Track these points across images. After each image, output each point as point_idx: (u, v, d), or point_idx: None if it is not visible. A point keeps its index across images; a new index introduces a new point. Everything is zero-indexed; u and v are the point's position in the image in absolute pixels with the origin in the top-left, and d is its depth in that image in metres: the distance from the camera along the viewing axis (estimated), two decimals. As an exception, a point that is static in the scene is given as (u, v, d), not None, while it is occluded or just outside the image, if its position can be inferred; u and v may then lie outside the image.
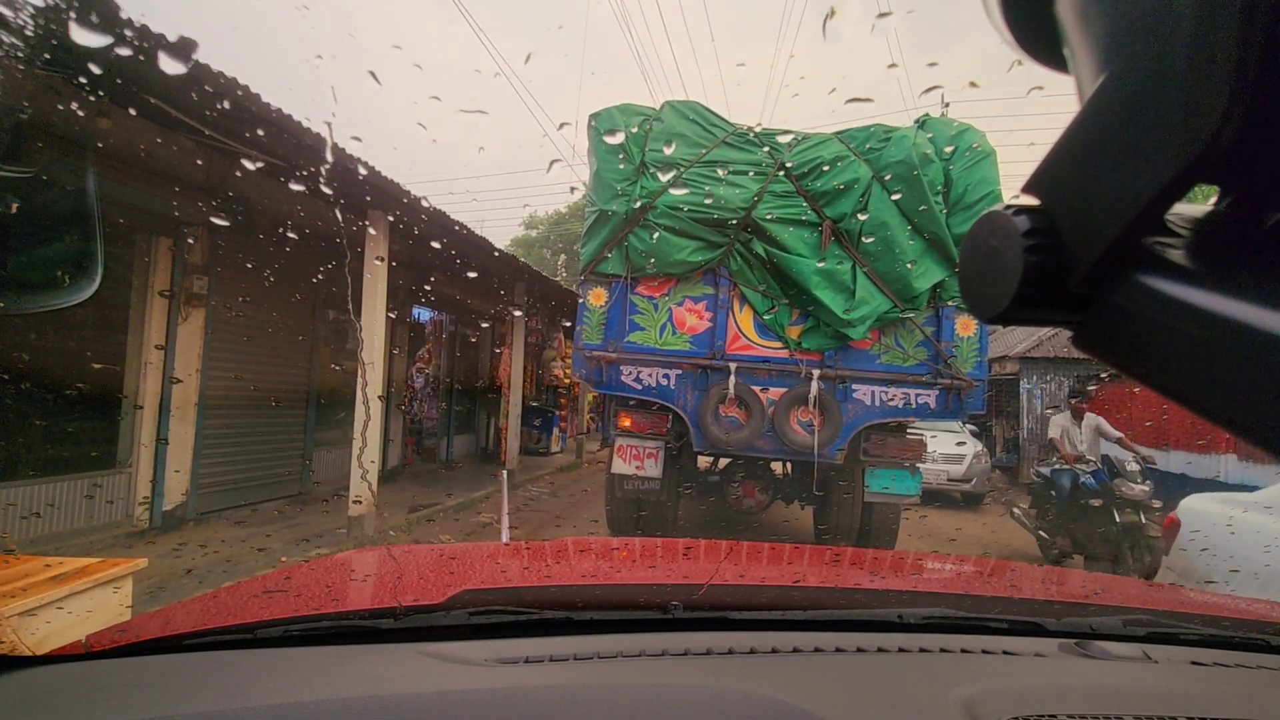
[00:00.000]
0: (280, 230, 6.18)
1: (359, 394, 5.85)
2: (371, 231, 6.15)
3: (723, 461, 5.98)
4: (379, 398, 8.83)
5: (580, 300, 5.21)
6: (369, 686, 0.81)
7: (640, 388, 5.08)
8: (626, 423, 5.15)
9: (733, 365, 5.00)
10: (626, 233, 4.95)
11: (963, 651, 0.99)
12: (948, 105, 13.85)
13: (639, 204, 4.88)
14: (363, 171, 5.08)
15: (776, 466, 5.86)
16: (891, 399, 5.11)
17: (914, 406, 5.13)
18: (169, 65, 3.54)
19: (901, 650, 0.98)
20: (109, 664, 0.88)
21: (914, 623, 1.07)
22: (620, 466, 5.13)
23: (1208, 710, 0.86)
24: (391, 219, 6.16)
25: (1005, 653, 1.00)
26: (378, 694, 0.79)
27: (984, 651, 1.00)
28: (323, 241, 6.57)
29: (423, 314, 10.09)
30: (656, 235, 4.88)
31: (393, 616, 0.97)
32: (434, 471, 9.86)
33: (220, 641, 0.94)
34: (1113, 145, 0.30)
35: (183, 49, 3.55)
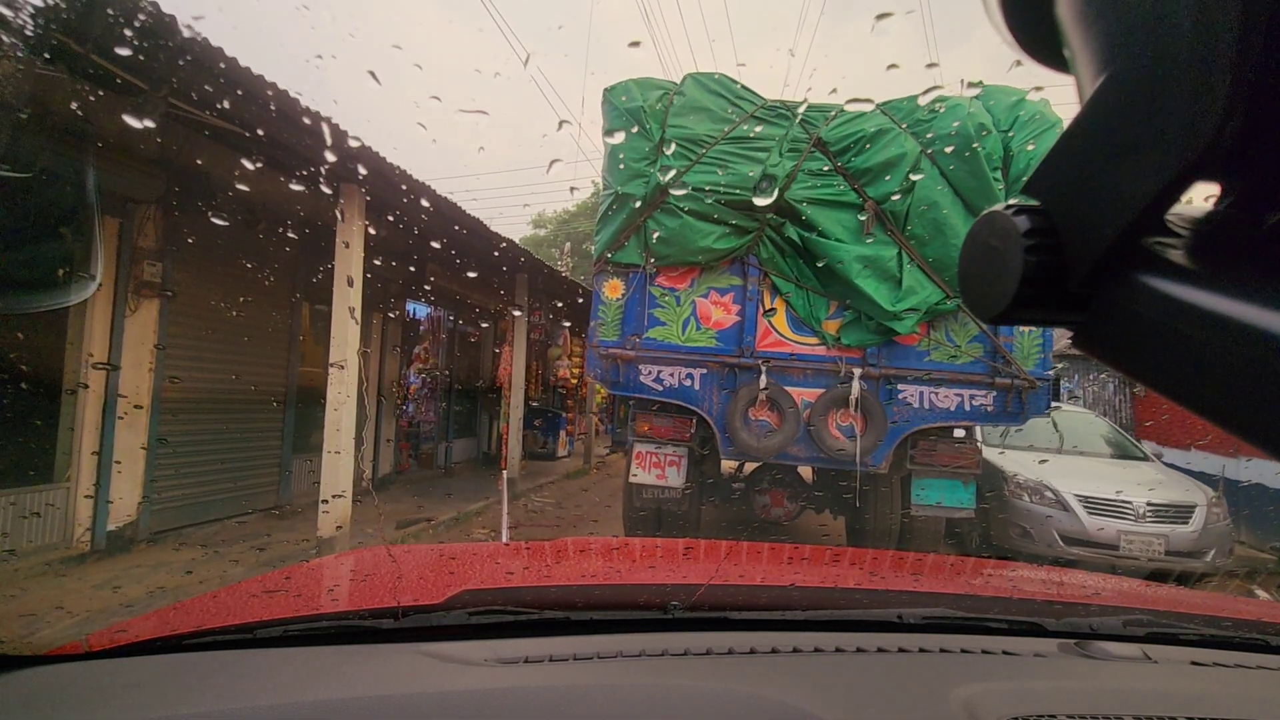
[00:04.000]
0: (251, 211, 5.91)
1: (329, 395, 5.43)
2: (341, 217, 5.67)
3: (749, 466, 5.93)
4: (379, 398, 8.61)
5: (595, 293, 5.20)
6: (369, 686, 0.90)
7: (661, 389, 5.05)
8: (646, 427, 5.08)
9: (763, 364, 4.95)
10: (645, 217, 4.92)
11: (963, 651, 1.09)
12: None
13: (659, 186, 4.83)
14: (332, 136, 4.69)
15: (806, 472, 5.80)
16: (943, 401, 5.02)
17: (968, 409, 5.03)
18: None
19: (901, 650, 1.07)
20: (109, 664, 0.98)
21: (914, 623, 1.17)
22: (640, 475, 5.09)
23: (1207, 710, 0.95)
24: (370, 198, 5.75)
25: (1005, 653, 1.10)
26: (378, 694, 0.88)
27: (984, 652, 1.09)
28: (304, 226, 6.35)
29: (419, 310, 10.10)
30: (678, 220, 4.84)
31: (393, 616, 1.06)
32: (431, 478, 9.83)
33: (220, 641, 1.04)
34: (1113, 145, 0.33)
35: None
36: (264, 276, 6.57)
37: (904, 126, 4.91)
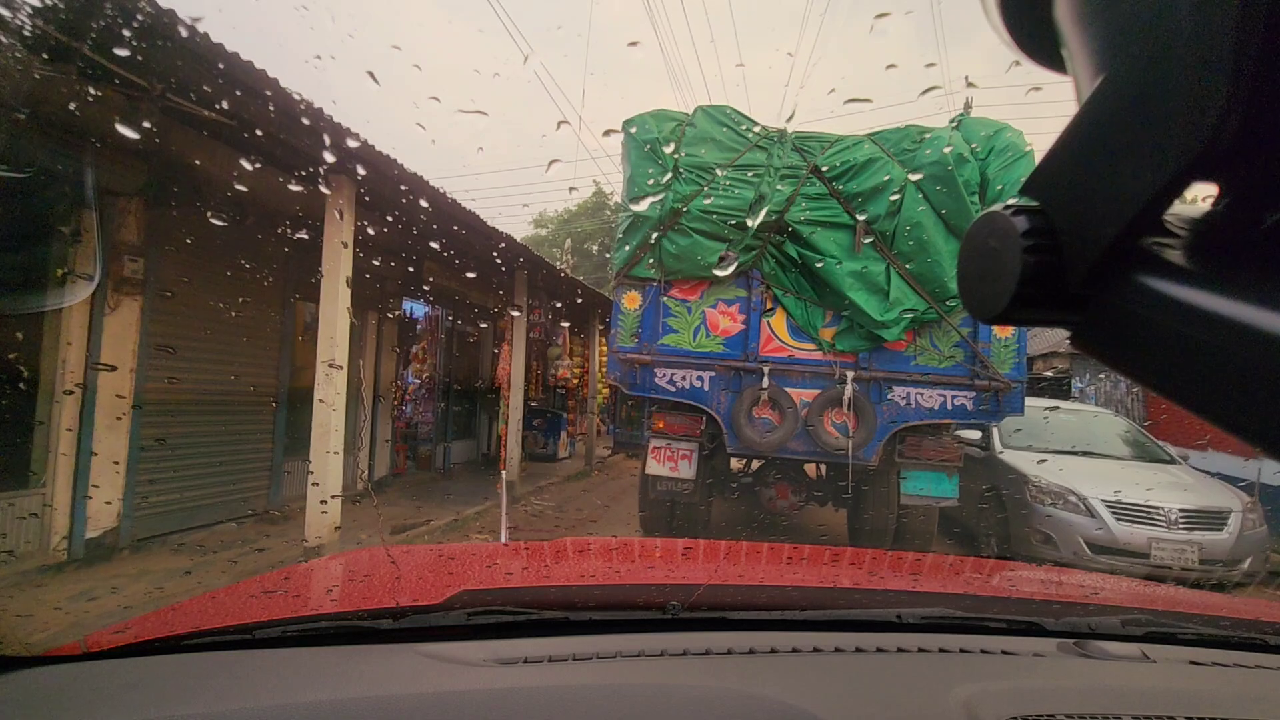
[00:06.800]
0: (239, 205, 5.44)
1: (317, 395, 5.13)
2: (337, 215, 5.25)
3: (756, 463, 6.20)
4: (375, 398, 8.21)
5: (615, 304, 5.52)
6: (368, 687, 0.85)
7: (674, 390, 5.37)
8: (660, 424, 5.42)
9: (766, 367, 5.26)
10: (659, 237, 5.23)
11: (962, 651, 1.04)
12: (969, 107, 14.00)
13: (672, 208, 5.16)
14: (322, 125, 4.41)
15: (810, 468, 6.05)
16: (927, 401, 5.34)
17: (951, 408, 5.34)
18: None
19: (901, 650, 1.03)
20: (107, 664, 0.92)
21: (913, 623, 1.12)
22: (654, 467, 5.43)
23: (1206, 710, 0.91)
24: (367, 192, 5.43)
25: (1004, 652, 1.05)
26: (377, 694, 0.83)
27: (983, 651, 1.05)
28: (296, 221, 5.90)
29: (416, 309, 9.58)
30: (689, 239, 5.15)
31: (392, 617, 1.01)
32: (429, 481, 9.33)
33: (219, 642, 0.99)
34: (1111, 146, 0.32)
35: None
36: (254, 273, 6.07)
37: (892, 155, 5.24)
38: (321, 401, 5.04)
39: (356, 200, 5.40)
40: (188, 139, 4.79)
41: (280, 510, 6.73)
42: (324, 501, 5.02)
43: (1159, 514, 5.51)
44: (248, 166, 4.95)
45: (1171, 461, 6.73)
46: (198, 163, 5.06)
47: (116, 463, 4.99)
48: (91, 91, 3.79)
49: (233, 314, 5.95)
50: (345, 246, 5.17)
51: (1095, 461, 6.38)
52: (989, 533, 6.39)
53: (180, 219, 5.27)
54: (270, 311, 6.57)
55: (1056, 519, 5.77)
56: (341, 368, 5.03)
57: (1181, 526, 5.45)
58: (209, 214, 5.19)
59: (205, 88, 3.93)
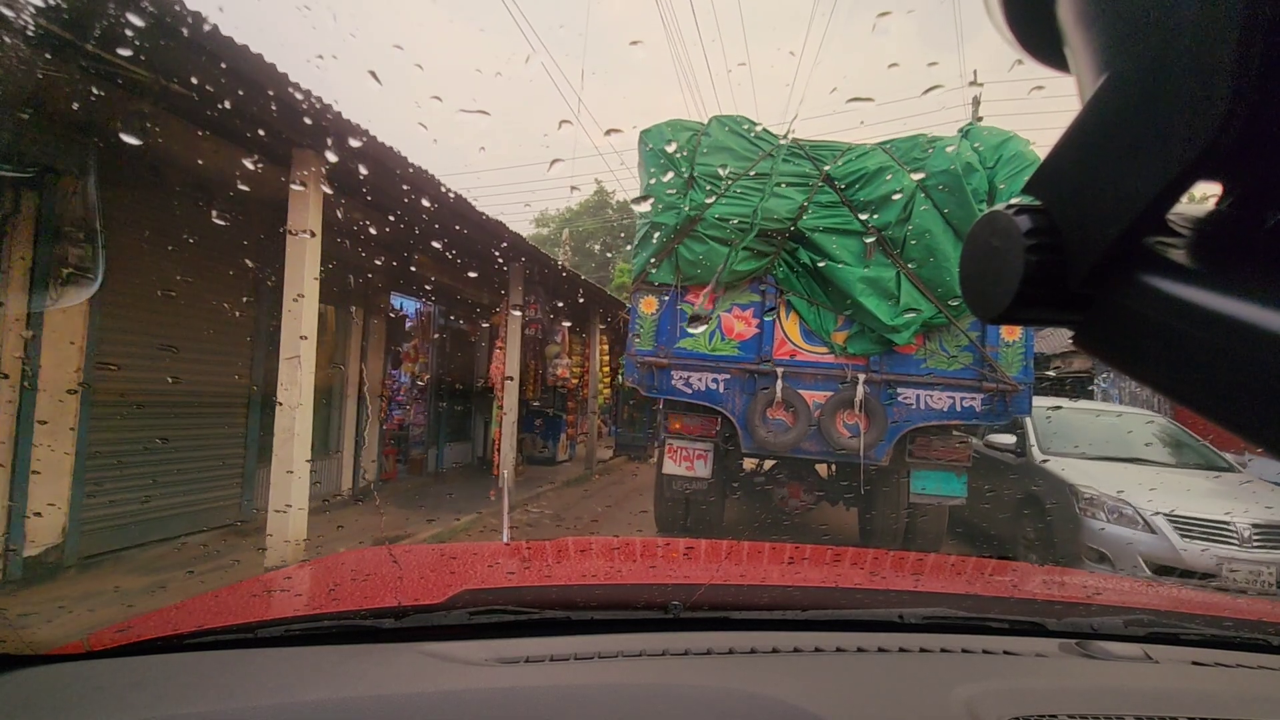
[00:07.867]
0: (202, 185, 4.93)
1: (280, 395, 4.65)
2: (297, 188, 4.61)
3: (769, 463, 6.32)
4: (360, 398, 7.86)
5: (632, 309, 5.66)
6: (369, 686, 0.85)
7: (690, 391, 5.52)
8: (677, 425, 5.57)
9: (779, 370, 5.39)
10: (676, 243, 5.36)
11: (963, 651, 1.03)
12: (979, 111, 13.97)
13: (688, 216, 5.29)
14: (285, 94, 3.85)
15: (822, 468, 6.15)
16: (936, 402, 5.43)
17: (959, 410, 5.42)
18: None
19: (902, 650, 1.02)
20: (110, 664, 0.92)
21: (914, 623, 1.11)
22: (671, 467, 5.60)
23: (1208, 710, 0.90)
24: (330, 155, 4.69)
25: (1006, 653, 1.04)
26: (378, 694, 0.83)
27: (984, 651, 1.04)
28: (264, 204, 5.36)
29: (407, 305, 9.08)
30: (705, 246, 5.28)
31: (393, 616, 1.00)
32: (419, 487, 8.83)
33: (221, 641, 0.98)
34: (1114, 145, 0.32)
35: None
36: (221, 262, 5.49)
37: (902, 164, 5.34)
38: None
39: (321, 177, 4.85)
40: (138, 111, 4.32)
41: (253, 521, 6.17)
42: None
43: (1229, 530, 4.85)
44: (198, 135, 4.46)
45: (1230, 469, 6.05)
46: (150, 138, 4.54)
47: (60, 472, 4.48)
48: (30, 56, 3.38)
49: (197, 306, 5.39)
50: (312, 233, 4.71)
51: (1147, 469, 5.75)
52: (1030, 548, 5.82)
53: (133, 201, 4.75)
54: (242, 304, 6.01)
55: (1111, 535, 5.12)
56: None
57: (1256, 544, 4.80)
58: (165, 195, 4.72)
59: (151, 48, 3.43)
